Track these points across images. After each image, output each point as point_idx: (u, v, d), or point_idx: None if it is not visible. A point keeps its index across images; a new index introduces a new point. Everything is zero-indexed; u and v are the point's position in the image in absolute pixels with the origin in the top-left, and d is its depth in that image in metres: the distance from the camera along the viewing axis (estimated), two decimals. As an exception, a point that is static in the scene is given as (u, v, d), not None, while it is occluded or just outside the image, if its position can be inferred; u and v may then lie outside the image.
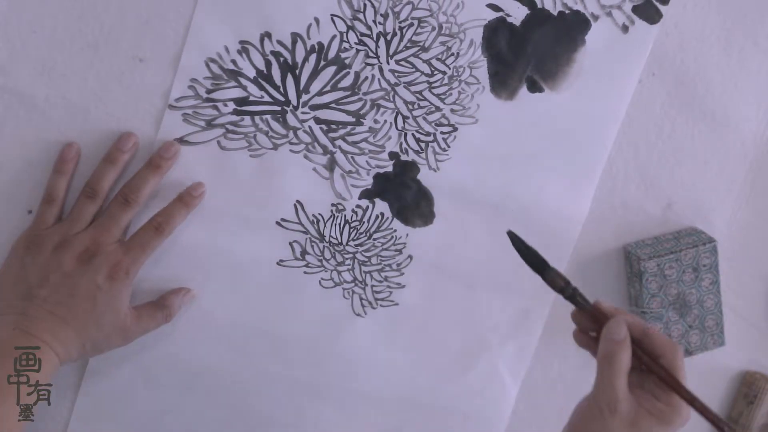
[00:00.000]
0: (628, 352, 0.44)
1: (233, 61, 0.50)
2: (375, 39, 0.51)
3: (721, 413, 0.66)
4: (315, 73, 0.51)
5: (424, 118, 0.54)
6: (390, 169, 0.54)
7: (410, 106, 0.53)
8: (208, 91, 0.50)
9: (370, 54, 0.52)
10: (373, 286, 0.56)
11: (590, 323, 0.49)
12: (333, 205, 0.54)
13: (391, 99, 0.53)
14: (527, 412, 0.61)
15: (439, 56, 0.53)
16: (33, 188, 0.49)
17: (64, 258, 0.47)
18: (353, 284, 0.56)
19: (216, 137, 0.51)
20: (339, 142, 0.53)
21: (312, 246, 0.54)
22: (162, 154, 0.49)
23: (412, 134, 0.54)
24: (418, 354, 0.58)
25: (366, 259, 0.55)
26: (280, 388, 0.56)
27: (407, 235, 0.56)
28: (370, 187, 0.54)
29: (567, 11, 0.54)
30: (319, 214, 0.54)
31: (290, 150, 0.52)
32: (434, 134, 0.54)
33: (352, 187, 0.54)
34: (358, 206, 0.54)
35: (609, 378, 0.44)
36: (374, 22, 0.51)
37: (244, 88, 0.50)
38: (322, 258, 0.55)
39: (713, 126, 0.59)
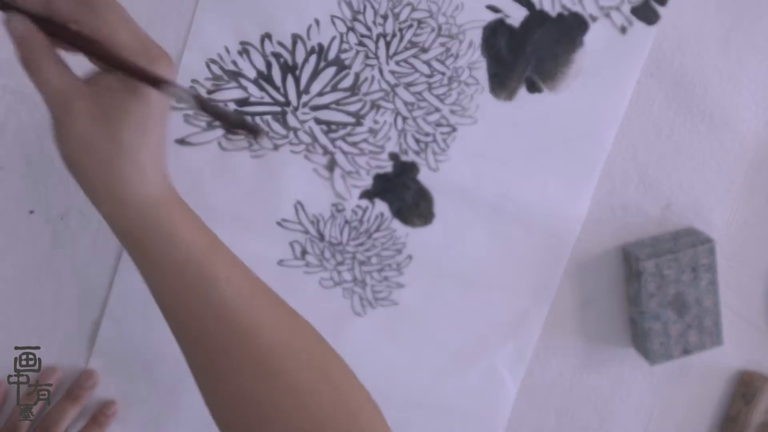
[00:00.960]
0: (42, 42, 0.33)
1: (234, 62, 0.50)
2: (375, 40, 0.52)
3: (719, 412, 0.66)
4: (315, 74, 0.51)
5: (424, 119, 0.54)
6: (390, 169, 0.54)
7: (410, 107, 0.53)
8: (209, 92, 0.50)
9: (370, 55, 0.52)
10: (372, 285, 0.56)
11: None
12: (333, 205, 0.54)
13: (391, 100, 0.53)
14: (527, 412, 0.61)
15: (439, 57, 0.53)
16: (33, 188, 0.49)
17: None
18: (353, 284, 0.56)
19: (217, 138, 0.51)
20: (339, 143, 0.53)
21: (312, 246, 0.54)
22: (81, 385, 0.51)
23: (412, 135, 0.54)
24: (417, 353, 0.58)
25: (366, 259, 0.56)
26: (280, 387, 0.56)
27: (407, 235, 0.56)
28: (369, 187, 0.54)
29: (566, 12, 0.54)
30: (320, 214, 0.54)
31: (290, 150, 0.52)
32: (434, 135, 0.54)
33: (352, 187, 0.54)
34: (358, 206, 0.54)
35: (38, 74, 0.33)
36: (374, 23, 0.51)
37: (245, 88, 0.50)
38: (322, 258, 0.55)
39: (711, 126, 0.59)
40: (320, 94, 0.52)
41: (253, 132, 0.35)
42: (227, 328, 0.37)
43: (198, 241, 0.38)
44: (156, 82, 0.34)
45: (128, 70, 0.34)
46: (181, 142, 0.50)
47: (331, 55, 0.51)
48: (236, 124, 0.36)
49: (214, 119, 0.36)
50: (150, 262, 0.37)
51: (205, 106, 0.35)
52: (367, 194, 0.54)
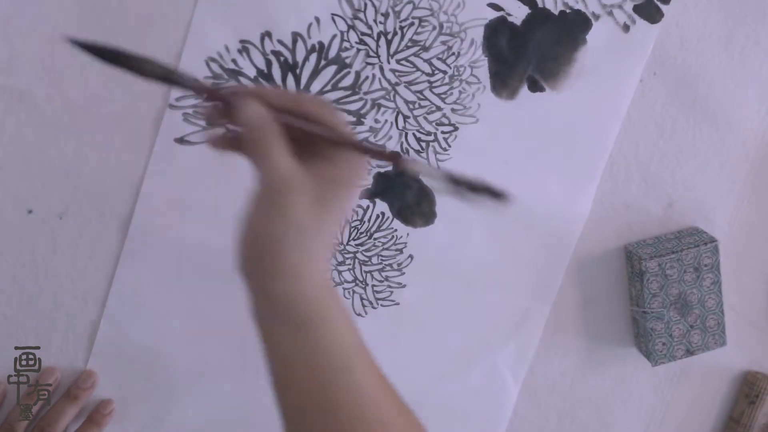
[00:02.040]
0: (273, 131, 0.36)
1: (234, 61, 0.50)
2: (376, 38, 0.51)
3: (722, 413, 0.66)
4: (315, 73, 0.51)
5: (425, 118, 0.54)
6: (391, 168, 0.54)
7: (411, 106, 0.53)
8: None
9: (371, 53, 0.52)
10: (373, 285, 0.56)
11: (219, 116, 0.38)
12: (333, 204, 0.54)
13: (392, 98, 0.53)
14: (528, 412, 0.61)
15: (440, 56, 0.53)
16: (33, 188, 0.49)
17: None
18: (354, 284, 0.56)
19: (216, 137, 0.51)
20: (339, 142, 0.53)
21: (312, 246, 0.54)
22: (80, 385, 0.51)
23: (413, 134, 0.54)
24: (418, 353, 0.58)
25: (366, 259, 0.55)
26: (280, 388, 0.56)
27: (408, 234, 0.56)
28: (370, 186, 0.54)
29: (568, 10, 0.54)
30: (320, 213, 0.54)
31: (291, 150, 0.52)
32: (435, 134, 0.54)
33: (352, 187, 0.54)
34: (358, 206, 0.54)
35: (267, 158, 0.36)
36: (375, 21, 0.51)
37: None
38: (322, 258, 0.54)
39: (714, 125, 0.59)
40: (321, 92, 0.52)
41: (497, 195, 0.38)
42: (358, 417, 0.38)
43: (349, 329, 0.39)
44: (395, 159, 0.37)
45: (365, 150, 0.37)
46: (181, 141, 0.50)
47: (332, 53, 0.51)
48: (482, 189, 0.38)
49: (464, 189, 0.39)
50: (309, 343, 0.38)
51: (455, 179, 0.38)
52: (368, 193, 0.54)
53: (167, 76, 0.35)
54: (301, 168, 0.36)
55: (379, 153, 0.38)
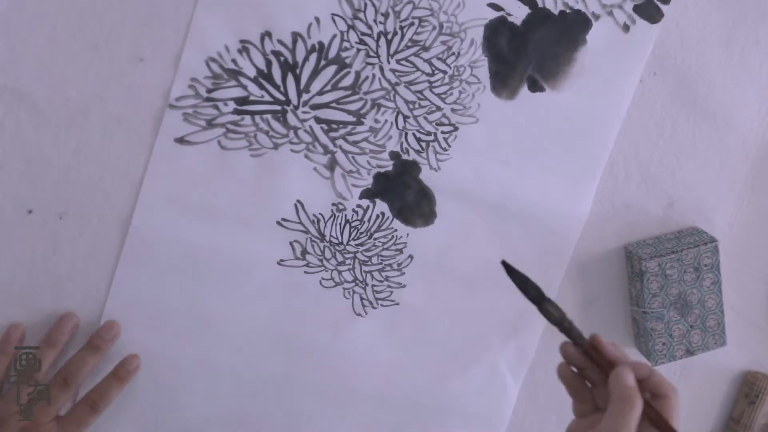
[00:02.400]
0: (641, 399, 0.42)
1: (233, 61, 0.50)
2: (376, 38, 0.51)
3: (722, 413, 0.66)
4: (315, 73, 0.51)
5: (425, 118, 0.54)
6: (391, 168, 0.54)
7: (411, 106, 0.53)
8: (209, 91, 0.50)
9: (371, 53, 0.52)
10: (373, 285, 0.56)
11: (581, 357, 0.46)
12: (333, 204, 0.54)
13: (392, 98, 0.53)
14: (528, 412, 0.61)
15: (440, 55, 0.53)
16: (33, 188, 0.49)
17: None
18: (354, 284, 0.56)
19: (216, 137, 0.51)
20: (340, 142, 0.53)
21: (312, 246, 0.54)
22: (102, 335, 0.51)
23: (413, 134, 0.54)
24: (418, 353, 0.58)
25: (366, 259, 0.55)
26: (280, 387, 0.56)
27: (408, 234, 0.56)
28: (370, 186, 0.54)
29: (568, 10, 0.54)
30: (320, 213, 0.54)
31: (291, 149, 0.52)
32: (435, 134, 0.54)
33: (352, 187, 0.54)
34: (358, 206, 0.54)
35: (625, 424, 0.42)
36: (375, 21, 0.51)
37: (245, 87, 0.50)
38: (322, 258, 0.54)
39: (714, 125, 0.59)
40: (321, 92, 0.52)
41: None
42: None
43: None
44: None
45: None
46: (181, 141, 0.50)
47: (332, 53, 0.51)
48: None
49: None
50: None
51: None
52: (368, 193, 0.54)
53: (560, 322, 0.45)
54: None
55: None
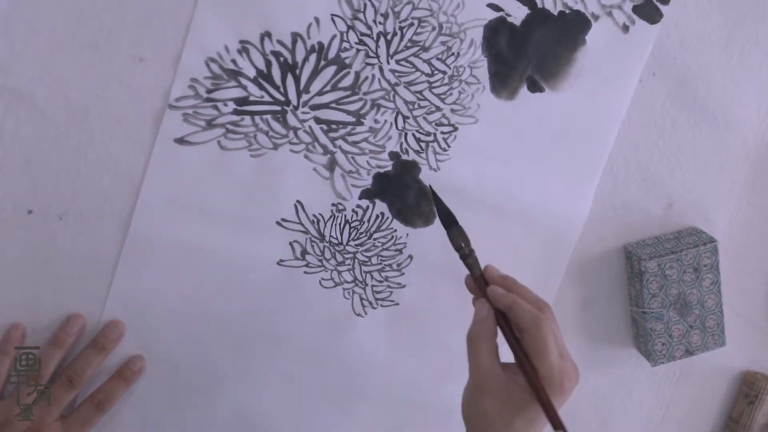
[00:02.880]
0: (489, 333, 0.44)
1: (233, 61, 0.50)
2: (375, 39, 0.51)
3: (721, 413, 0.66)
4: (315, 73, 0.51)
5: (425, 118, 0.54)
6: (390, 168, 0.54)
7: (410, 106, 0.53)
8: (209, 91, 0.50)
9: (371, 54, 0.52)
10: (373, 286, 0.56)
11: (480, 291, 0.48)
12: (333, 205, 0.54)
13: (392, 99, 0.53)
14: (528, 412, 0.61)
15: (440, 56, 0.53)
16: (33, 188, 0.49)
17: None
18: (353, 284, 0.56)
19: (216, 137, 0.51)
20: (339, 142, 0.53)
21: (312, 246, 0.54)
22: (107, 335, 0.51)
23: (413, 134, 0.54)
24: (418, 354, 0.58)
25: (366, 259, 0.55)
26: (280, 388, 0.56)
27: (407, 235, 0.56)
28: (370, 186, 0.54)
29: (567, 11, 0.54)
30: (320, 214, 0.54)
31: (290, 150, 0.52)
32: (434, 134, 0.54)
33: (352, 187, 0.54)
34: (358, 206, 0.54)
35: (473, 358, 0.44)
36: (374, 21, 0.51)
37: (245, 87, 0.50)
38: (322, 258, 0.55)
39: (714, 126, 0.59)
40: (320, 93, 0.52)
41: None
42: None
43: None
44: (554, 424, 0.41)
45: (536, 392, 0.42)
46: (181, 141, 0.50)
47: (332, 53, 0.51)
48: None
49: None
50: None
51: None
52: (368, 194, 0.54)
53: (461, 250, 0.48)
54: (500, 366, 0.43)
55: (551, 413, 0.41)
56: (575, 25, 0.54)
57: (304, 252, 0.54)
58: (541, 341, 0.42)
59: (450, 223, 0.49)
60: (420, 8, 0.51)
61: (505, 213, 0.57)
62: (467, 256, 0.48)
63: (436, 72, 0.53)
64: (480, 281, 0.47)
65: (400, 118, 0.53)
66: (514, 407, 0.42)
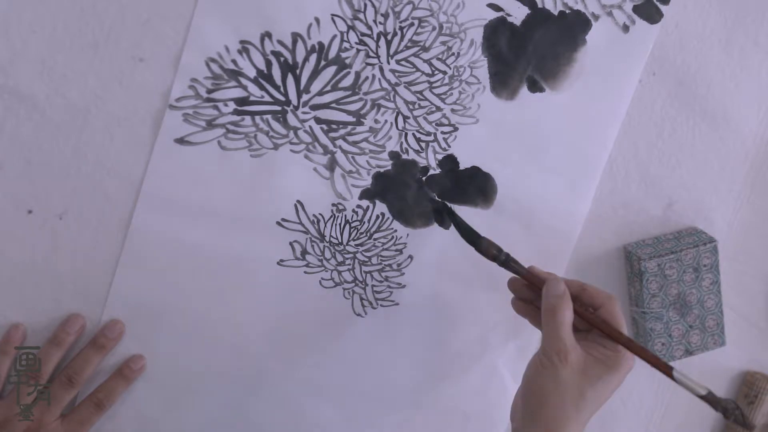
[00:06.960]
0: (569, 304, 0.47)
1: (233, 61, 0.50)
2: (375, 39, 0.51)
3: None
4: (315, 73, 0.51)
5: (425, 118, 0.54)
6: (390, 168, 0.54)
7: (411, 106, 0.53)
8: (209, 91, 0.50)
9: (371, 54, 0.52)
10: (373, 286, 0.56)
11: (527, 290, 0.51)
12: (333, 205, 0.54)
13: (392, 99, 0.53)
14: (528, 412, 0.61)
15: (440, 56, 0.53)
16: (33, 188, 0.49)
17: None
18: (354, 284, 0.56)
19: (216, 137, 0.51)
20: (339, 142, 0.53)
21: (312, 246, 0.54)
22: (106, 334, 0.51)
23: (413, 134, 0.54)
24: (418, 354, 0.58)
25: (366, 259, 0.55)
26: (280, 387, 0.56)
27: (407, 235, 0.56)
28: (370, 186, 0.54)
29: (567, 11, 0.54)
30: (320, 214, 0.54)
31: (291, 150, 0.52)
32: (435, 134, 0.54)
33: (352, 187, 0.54)
34: (358, 206, 0.54)
35: (555, 330, 0.46)
36: (375, 21, 0.51)
37: (245, 87, 0.50)
38: (322, 258, 0.55)
39: (714, 126, 0.59)
40: (320, 93, 0.52)
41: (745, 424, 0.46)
42: None
43: None
44: (665, 369, 0.47)
45: (635, 350, 0.47)
46: (181, 141, 0.50)
47: (332, 54, 0.51)
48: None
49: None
50: None
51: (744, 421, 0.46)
52: (368, 194, 0.54)
53: (497, 258, 0.50)
54: (577, 345, 0.46)
55: (644, 353, 0.47)
56: (575, 25, 0.54)
57: (304, 252, 0.54)
58: (618, 315, 0.47)
59: (476, 239, 0.50)
60: (420, 8, 0.51)
61: (505, 212, 0.57)
62: (507, 261, 0.50)
63: (436, 72, 0.53)
64: (533, 277, 0.50)
65: (400, 118, 0.53)
66: (590, 378, 0.45)
